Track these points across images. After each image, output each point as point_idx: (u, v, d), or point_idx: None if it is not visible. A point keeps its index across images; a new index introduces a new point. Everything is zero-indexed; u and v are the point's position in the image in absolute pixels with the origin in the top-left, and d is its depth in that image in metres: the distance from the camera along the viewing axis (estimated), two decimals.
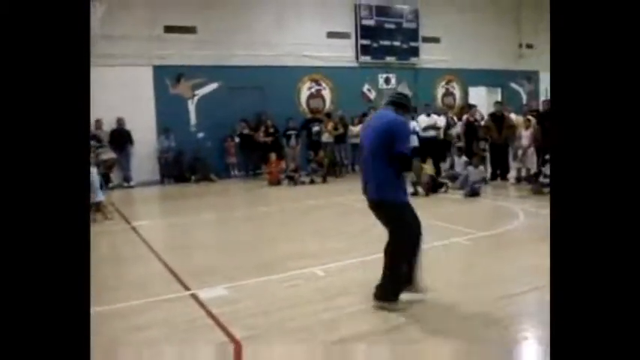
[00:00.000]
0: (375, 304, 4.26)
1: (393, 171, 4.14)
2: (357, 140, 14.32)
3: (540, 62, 18.97)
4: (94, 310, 4.27)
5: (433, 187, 10.43)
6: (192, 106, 14.52)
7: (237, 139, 14.58)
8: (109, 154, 11.60)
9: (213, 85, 14.62)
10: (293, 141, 14.16)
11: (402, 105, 4.36)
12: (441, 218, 7.65)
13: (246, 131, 14.47)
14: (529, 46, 18.80)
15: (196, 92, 14.50)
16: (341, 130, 14.56)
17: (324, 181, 13.14)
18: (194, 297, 4.72)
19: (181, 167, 14.29)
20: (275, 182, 12.96)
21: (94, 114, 12.80)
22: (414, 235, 4.26)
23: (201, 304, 4.51)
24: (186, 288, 4.99)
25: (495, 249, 6.35)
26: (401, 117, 4.28)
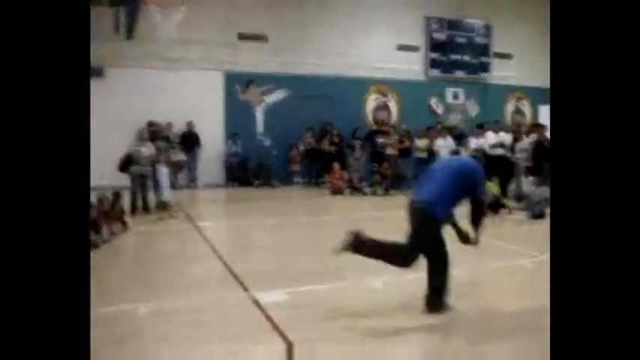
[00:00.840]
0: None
1: (454, 201, 4.47)
2: (421, 154, 14.22)
3: None
4: (153, 304, 4.43)
5: (494, 206, 10.15)
6: (259, 113, 14.80)
7: (302, 148, 14.72)
8: (179, 156, 11.95)
9: (281, 93, 14.85)
10: (358, 152, 14.17)
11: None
12: (503, 239, 7.47)
13: (311, 140, 14.61)
14: None
15: (264, 99, 14.78)
16: (407, 144, 14.44)
17: (387, 193, 13.08)
18: (253, 299, 4.79)
19: (246, 172, 14.56)
20: (337, 192, 13.00)
21: (166, 116, 13.26)
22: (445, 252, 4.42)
23: (260, 307, 4.57)
24: (246, 290, 5.07)
25: None
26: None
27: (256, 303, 4.67)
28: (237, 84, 14.50)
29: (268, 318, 4.29)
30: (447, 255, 4.40)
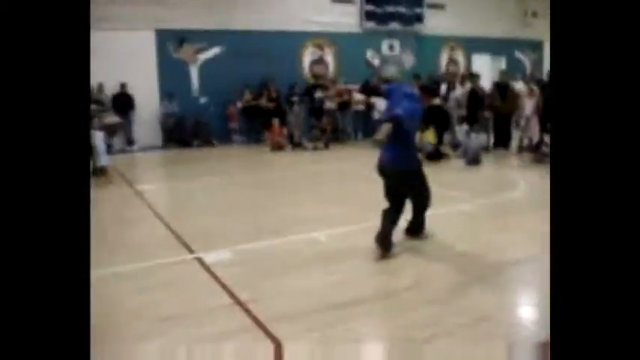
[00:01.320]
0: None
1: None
2: (359, 107, 14.35)
3: (545, 32, 18.80)
4: (98, 272, 4.37)
5: (435, 156, 10.42)
6: (195, 71, 14.44)
7: (239, 105, 14.53)
8: (112, 118, 11.59)
9: (216, 50, 14.50)
10: (296, 107, 14.11)
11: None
12: (443, 185, 7.67)
13: (249, 97, 14.42)
14: (534, 15, 18.57)
15: (199, 56, 14.41)
16: (345, 97, 14.47)
17: (327, 147, 13.17)
18: (198, 260, 4.80)
19: (184, 132, 14.28)
20: (277, 148, 12.99)
21: (97, 78, 12.76)
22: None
23: (206, 267, 4.59)
24: (191, 251, 5.07)
25: (496, 216, 6.41)
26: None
27: (202, 264, 4.69)
28: (170, 42, 14.05)
29: (215, 277, 4.32)
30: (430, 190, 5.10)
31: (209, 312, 3.71)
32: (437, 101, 12.59)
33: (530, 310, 3.80)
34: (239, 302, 3.81)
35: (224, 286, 4.12)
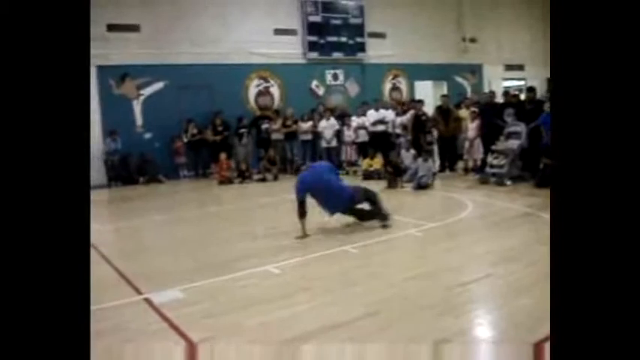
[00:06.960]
0: None
1: None
2: (306, 137, 14.42)
3: (483, 55, 19.47)
4: None
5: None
6: (137, 107, 14.19)
7: (185, 139, 14.33)
8: None
9: (159, 85, 14.33)
10: (244, 139, 14.02)
11: None
12: (392, 211, 7.73)
13: (195, 131, 14.26)
14: (472, 40, 19.21)
15: (142, 92, 14.18)
16: (293, 127, 14.52)
17: (276, 178, 13.10)
18: (147, 301, 4.62)
19: (129, 169, 13.94)
20: (226, 181, 12.84)
21: None
22: None
23: (155, 308, 4.42)
24: (139, 292, 4.88)
25: (446, 239, 6.46)
26: None
27: (151, 305, 4.52)
28: (111, 78, 13.80)
29: (165, 319, 4.16)
30: None
31: (159, 355, 3.55)
32: (382, 127, 12.83)
33: (488, 330, 3.80)
34: (190, 344, 3.67)
35: (175, 327, 3.97)
